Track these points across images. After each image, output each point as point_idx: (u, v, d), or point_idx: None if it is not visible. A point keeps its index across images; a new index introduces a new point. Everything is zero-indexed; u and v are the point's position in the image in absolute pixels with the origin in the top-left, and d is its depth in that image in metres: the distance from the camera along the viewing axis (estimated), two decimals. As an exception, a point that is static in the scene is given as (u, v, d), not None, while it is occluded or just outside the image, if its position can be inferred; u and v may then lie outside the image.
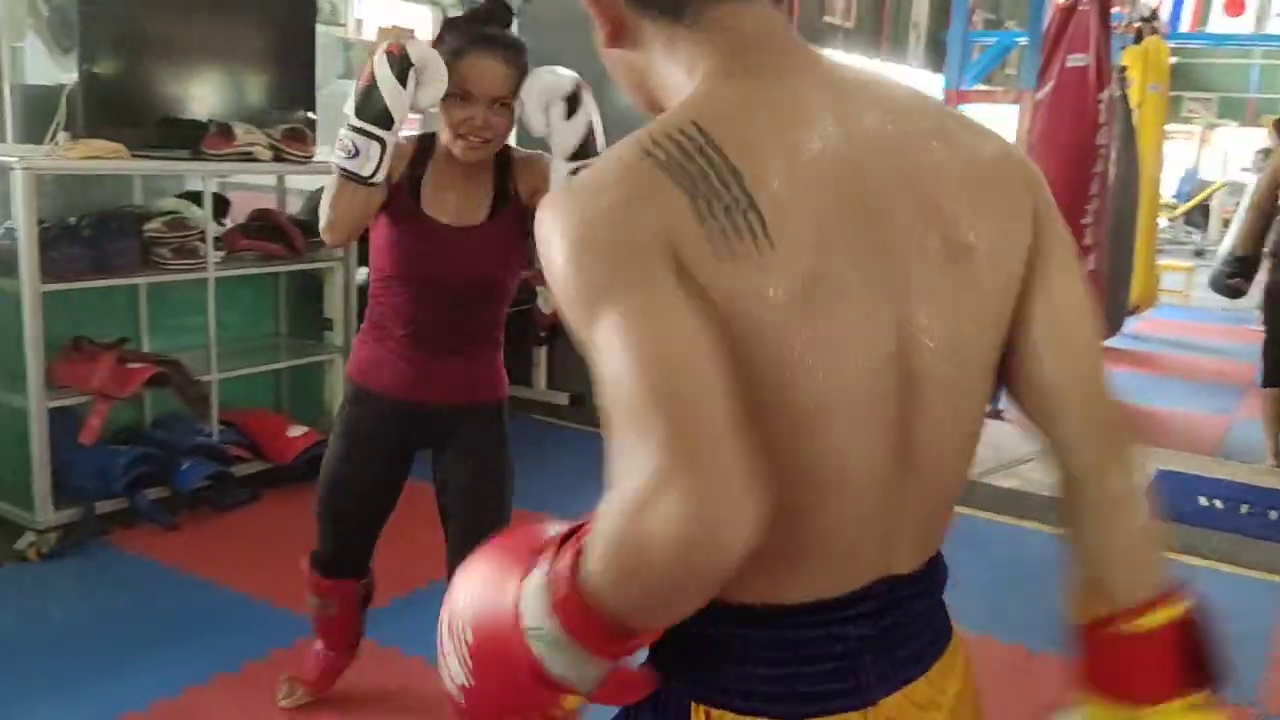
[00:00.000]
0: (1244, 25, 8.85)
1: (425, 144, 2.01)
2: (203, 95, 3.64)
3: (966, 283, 0.85)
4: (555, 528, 0.81)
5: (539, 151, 2.03)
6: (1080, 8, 5.79)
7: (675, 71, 0.86)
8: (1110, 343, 6.79)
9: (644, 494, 0.65)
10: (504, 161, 2.01)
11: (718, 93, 0.82)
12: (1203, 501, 4.12)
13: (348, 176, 1.85)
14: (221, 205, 3.73)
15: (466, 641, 0.80)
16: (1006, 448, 4.72)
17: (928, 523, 0.91)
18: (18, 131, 3.43)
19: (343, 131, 1.85)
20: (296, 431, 3.77)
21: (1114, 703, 0.92)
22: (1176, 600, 0.92)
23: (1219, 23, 8.89)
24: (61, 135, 3.26)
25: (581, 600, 0.70)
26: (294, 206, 4.21)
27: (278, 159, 3.66)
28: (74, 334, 3.36)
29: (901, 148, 0.84)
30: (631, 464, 0.67)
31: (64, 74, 3.58)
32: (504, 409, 2.15)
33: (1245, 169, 16.60)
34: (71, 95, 3.30)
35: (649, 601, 0.70)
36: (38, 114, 3.40)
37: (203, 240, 3.51)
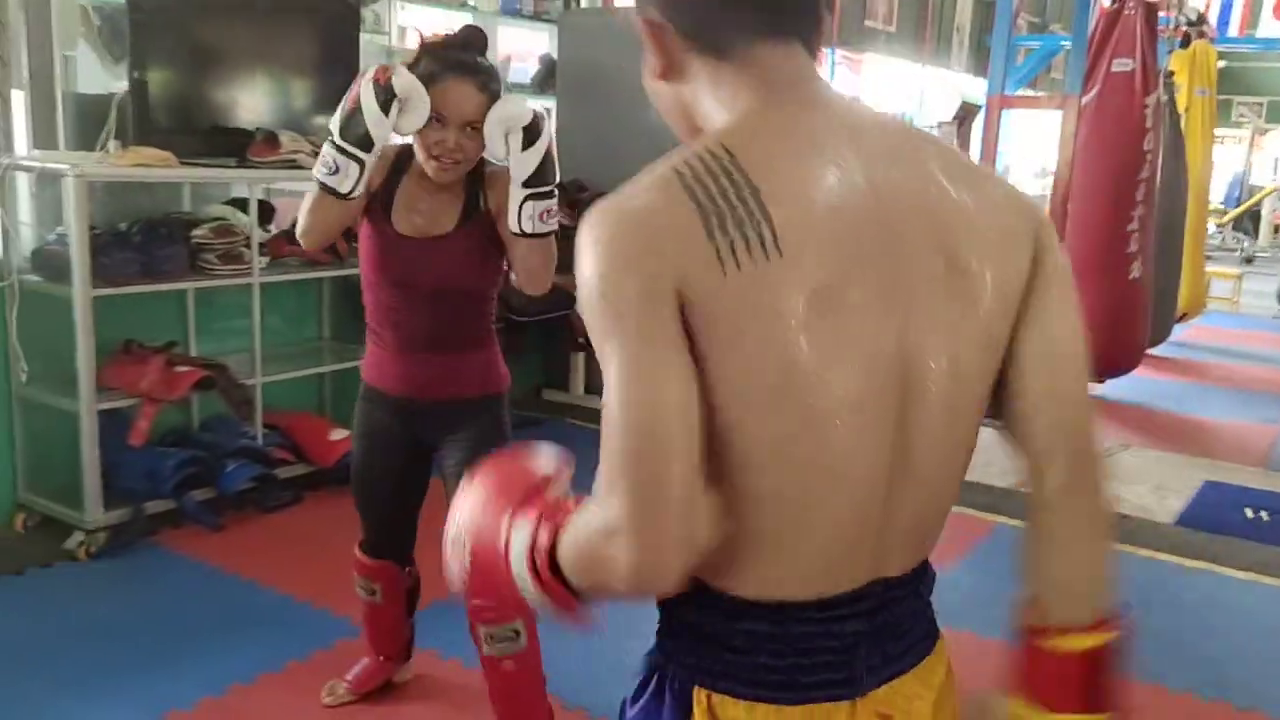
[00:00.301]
0: (1295, 28, 8.70)
1: (404, 156, 2.10)
2: (249, 103, 3.70)
3: (968, 308, 0.91)
4: (542, 472, 1.01)
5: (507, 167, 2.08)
6: (1126, 11, 5.72)
7: (716, 104, 0.94)
8: (1157, 350, 6.69)
9: (609, 530, 0.83)
10: (477, 175, 2.10)
11: (750, 122, 0.91)
12: (1249, 514, 4.05)
13: (326, 190, 1.97)
14: (267, 211, 3.79)
15: (467, 553, 0.99)
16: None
17: (920, 529, 0.97)
18: (69, 139, 3.50)
19: (325, 147, 1.98)
20: (339, 435, 3.82)
21: (1032, 703, 1.00)
22: (1103, 630, 1.00)
23: (1269, 26, 8.74)
24: (112, 143, 3.33)
25: (554, 578, 0.90)
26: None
27: (322, 166, 3.71)
28: (123, 338, 3.43)
29: (912, 182, 0.91)
30: (607, 499, 0.84)
31: (115, 82, 3.66)
32: (496, 402, 2.23)
33: (1296, 173, 16.30)
34: (122, 103, 3.37)
35: (606, 596, 0.89)
36: (89, 122, 3.48)
37: (248, 246, 3.57)
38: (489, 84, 2.01)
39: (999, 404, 0.98)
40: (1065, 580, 1.01)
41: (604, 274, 0.83)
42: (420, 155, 2.03)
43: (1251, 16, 8.89)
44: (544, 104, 5.41)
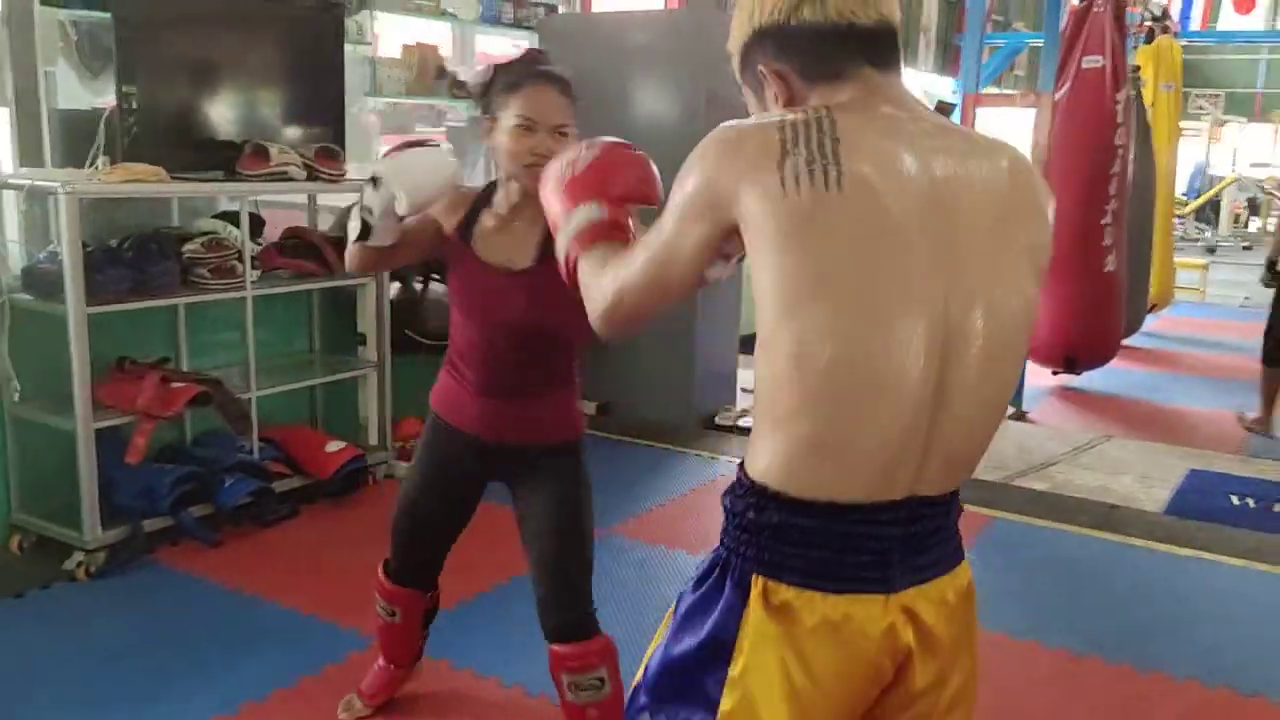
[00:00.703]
0: (1254, 22, 8.87)
1: (486, 193, 2.08)
2: (236, 116, 3.67)
3: (1010, 262, 1.14)
4: (590, 210, 1.34)
5: None
6: (1095, 9, 5.81)
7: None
8: (1130, 341, 6.80)
9: (604, 294, 1.24)
10: None
11: (853, 104, 1.15)
12: (1235, 500, 4.13)
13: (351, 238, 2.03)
14: (256, 224, 3.76)
15: (564, 177, 1.39)
16: (1035, 450, 4.75)
17: (954, 458, 1.14)
18: (56, 156, 3.47)
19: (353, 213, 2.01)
20: (335, 447, 3.81)
21: None
22: None
23: (1229, 20, 8.91)
24: (101, 159, 3.29)
25: (570, 270, 1.33)
26: (325, 223, 4.25)
27: (311, 178, 3.70)
28: (116, 355, 3.40)
29: (965, 165, 1.14)
30: (625, 275, 1.21)
31: (95, 98, 3.63)
32: (578, 447, 2.16)
33: (1255, 164, 16.62)
34: (110, 119, 3.34)
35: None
36: (75, 138, 3.44)
37: (240, 260, 3.55)
38: (569, 89, 1.99)
39: None
40: None
41: (691, 165, 1.15)
42: (511, 168, 1.97)
43: (1213, 11, 9.05)
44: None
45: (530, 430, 2.11)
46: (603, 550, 3.44)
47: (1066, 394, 6.01)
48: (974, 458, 1.18)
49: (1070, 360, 5.91)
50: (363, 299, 4.10)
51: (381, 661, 2.54)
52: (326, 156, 3.75)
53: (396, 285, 4.21)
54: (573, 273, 1.33)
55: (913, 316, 1.07)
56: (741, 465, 1.16)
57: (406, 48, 4.64)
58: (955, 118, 5.77)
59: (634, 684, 1.25)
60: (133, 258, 3.29)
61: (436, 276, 4.37)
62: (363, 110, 4.50)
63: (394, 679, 2.55)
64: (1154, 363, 6.84)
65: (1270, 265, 5.18)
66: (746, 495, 1.13)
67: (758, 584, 1.11)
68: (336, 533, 3.62)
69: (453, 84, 4.79)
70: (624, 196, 1.38)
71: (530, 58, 2.07)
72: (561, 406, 2.14)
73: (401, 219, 1.96)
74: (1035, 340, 1.29)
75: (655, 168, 1.47)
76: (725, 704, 1.11)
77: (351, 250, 2.04)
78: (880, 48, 1.20)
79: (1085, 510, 3.96)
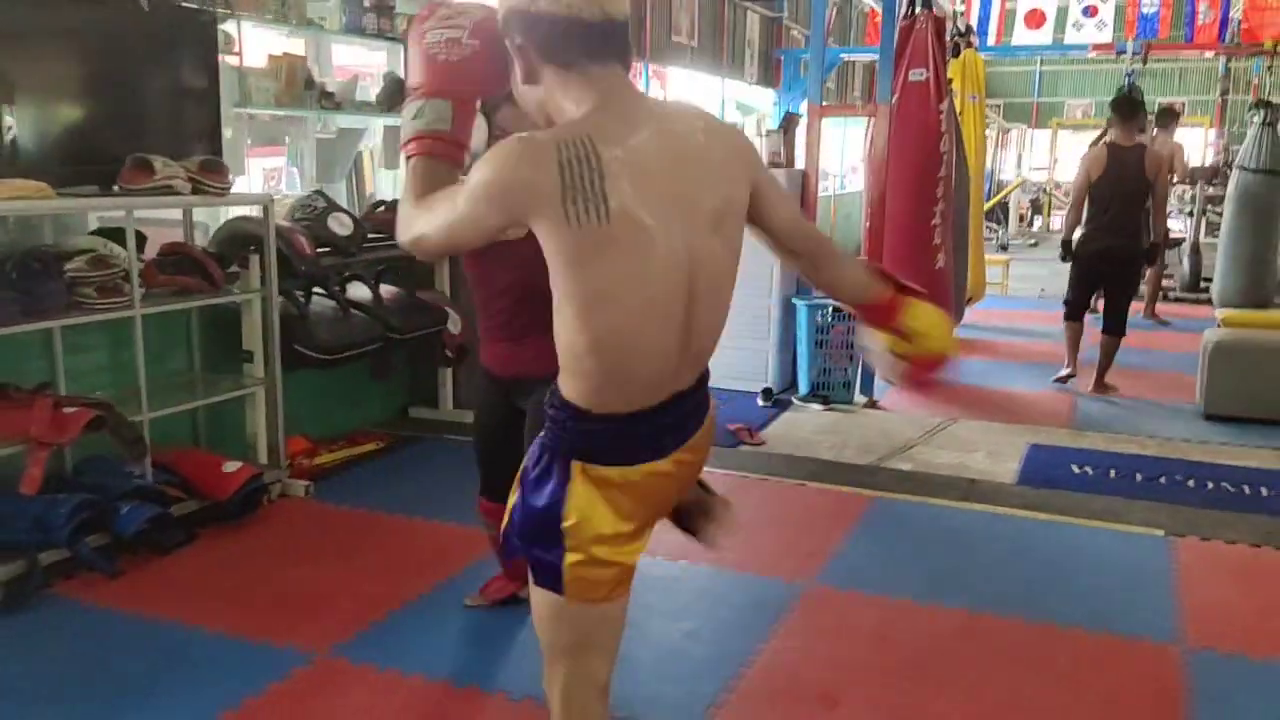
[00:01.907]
0: (1043, 37, 9.74)
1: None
2: (114, 129, 3.54)
3: (723, 222, 1.56)
4: (438, 107, 1.61)
5: None
6: (918, 26, 6.29)
7: (567, 103, 1.52)
8: (955, 332, 7.33)
9: (413, 233, 1.58)
10: None
11: (599, 119, 1.48)
12: (1075, 469, 4.58)
13: None
14: (138, 241, 3.62)
15: (422, 55, 1.63)
16: (894, 435, 5.10)
17: (699, 360, 1.64)
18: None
19: None
20: (232, 467, 3.71)
21: (889, 330, 1.80)
22: (897, 287, 1.83)
23: (1021, 35, 9.74)
24: (-28, 176, 3.11)
25: (410, 152, 1.64)
26: (199, 238, 4.12)
27: (196, 191, 3.60)
28: (-3, 382, 3.22)
29: (686, 142, 1.53)
30: (429, 227, 1.55)
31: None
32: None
33: (1035, 168, 18.10)
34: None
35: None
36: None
37: (126, 278, 3.42)
38: None
39: (772, 247, 1.75)
40: (864, 279, 1.83)
41: (488, 173, 1.44)
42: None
43: (1006, 27, 9.87)
44: (393, 121, 5.38)
45: (530, 366, 2.52)
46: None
47: (908, 383, 6.44)
48: (714, 348, 1.67)
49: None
50: (248, 315, 4.01)
51: (502, 573, 3.10)
52: (210, 169, 3.66)
53: (281, 300, 4.13)
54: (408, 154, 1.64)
55: (667, 297, 1.51)
56: (556, 385, 1.61)
57: (273, 58, 4.55)
58: (801, 127, 6.12)
59: (503, 531, 1.69)
60: (17, 278, 3.13)
61: (319, 291, 4.32)
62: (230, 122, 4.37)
63: (508, 586, 3.09)
64: (978, 351, 7.40)
65: (1065, 244, 6.15)
66: (564, 410, 1.59)
67: (577, 467, 1.58)
68: (240, 554, 3.54)
69: (321, 95, 4.72)
70: (476, 94, 1.65)
71: None
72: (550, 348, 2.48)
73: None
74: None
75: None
76: (567, 539, 1.58)
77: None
78: (606, 42, 1.50)
79: (951, 485, 4.31)
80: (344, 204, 4.96)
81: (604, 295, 1.47)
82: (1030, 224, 17.10)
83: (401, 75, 5.32)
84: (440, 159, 1.60)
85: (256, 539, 3.66)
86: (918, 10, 6.30)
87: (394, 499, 4.06)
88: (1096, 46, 10.13)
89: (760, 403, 5.62)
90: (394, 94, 5.23)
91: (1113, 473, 4.53)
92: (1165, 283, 10.68)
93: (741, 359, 5.79)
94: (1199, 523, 3.89)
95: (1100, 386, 6.12)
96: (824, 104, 6.04)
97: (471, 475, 4.30)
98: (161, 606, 3.11)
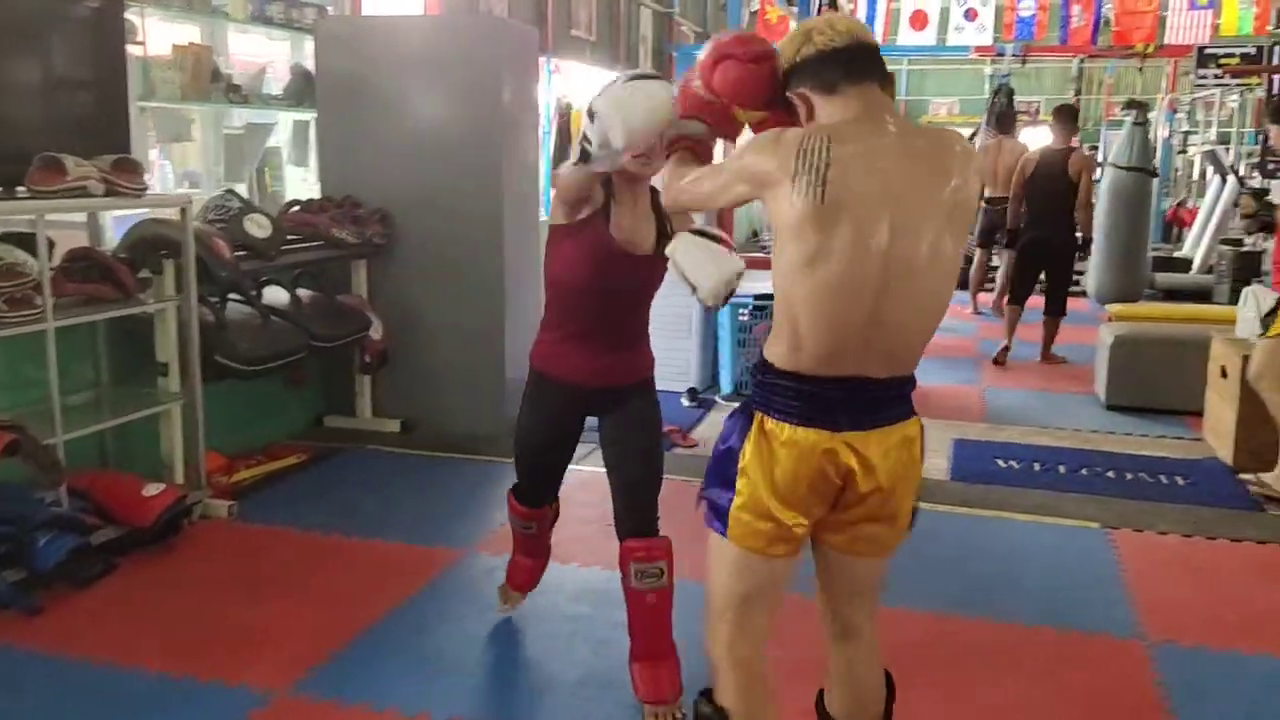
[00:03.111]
0: (927, 38, 9.98)
1: (608, 179, 2.37)
2: (17, 127, 3.22)
3: (945, 224, 1.73)
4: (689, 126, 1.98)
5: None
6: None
7: (826, 119, 1.77)
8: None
9: (677, 195, 1.95)
10: (656, 198, 2.39)
11: (841, 126, 1.73)
12: (1001, 464, 4.69)
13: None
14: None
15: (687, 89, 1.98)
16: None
17: (891, 358, 1.77)
18: None
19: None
20: (153, 490, 3.44)
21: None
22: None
23: (906, 36, 9.95)
24: None
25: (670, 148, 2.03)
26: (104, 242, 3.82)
27: (110, 193, 3.32)
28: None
29: (920, 151, 1.75)
30: (700, 184, 1.90)
31: None
32: (652, 380, 2.69)
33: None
34: None
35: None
36: None
37: (37, 289, 3.13)
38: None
39: None
40: None
41: (753, 145, 1.76)
42: (632, 163, 2.19)
43: (891, 27, 10.07)
44: (303, 116, 5.12)
45: (621, 374, 2.59)
46: (472, 572, 3.39)
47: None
48: (914, 350, 1.81)
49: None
50: (161, 325, 3.73)
51: (522, 559, 3.02)
52: (125, 169, 3.38)
53: (203, 309, 3.86)
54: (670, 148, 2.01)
55: (857, 277, 1.69)
56: (762, 349, 1.83)
57: (178, 48, 4.25)
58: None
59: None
60: (-83, 291, 2.82)
61: (235, 297, 4.06)
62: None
63: (538, 568, 3.04)
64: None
65: (1010, 233, 7.17)
66: (760, 368, 1.83)
67: (758, 417, 1.80)
68: (168, 584, 3.28)
69: (229, 87, 4.44)
70: (721, 121, 1.96)
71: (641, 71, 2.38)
72: (644, 351, 2.67)
73: (619, 153, 2.11)
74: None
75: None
76: (739, 482, 1.80)
77: (571, 171, 2.29)
78: (854, 60, 1.77)
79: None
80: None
81: (807, 264, 1.69)
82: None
83: (307, 67, 5.07)
84: (695, 154, 1.98)
85: (183, 567, 3.41)
86: (823, 10, 6.36)
87: (326, 517, 3.84)
88: (978, 49, 10.47)
89: (685, 403, 5.57)
90: (302, 87, 4.98)
91: (1037, 466, 4.65)
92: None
93: (664, 359, 5.69)
94: (1130, 515, 4.01)
95: (1047, 358, 6.94)
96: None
97: (406, 489, 4.16)
98: (91, 647, 2.86)
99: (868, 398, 1.76)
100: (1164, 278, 10.64)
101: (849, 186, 1.65)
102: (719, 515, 1.83)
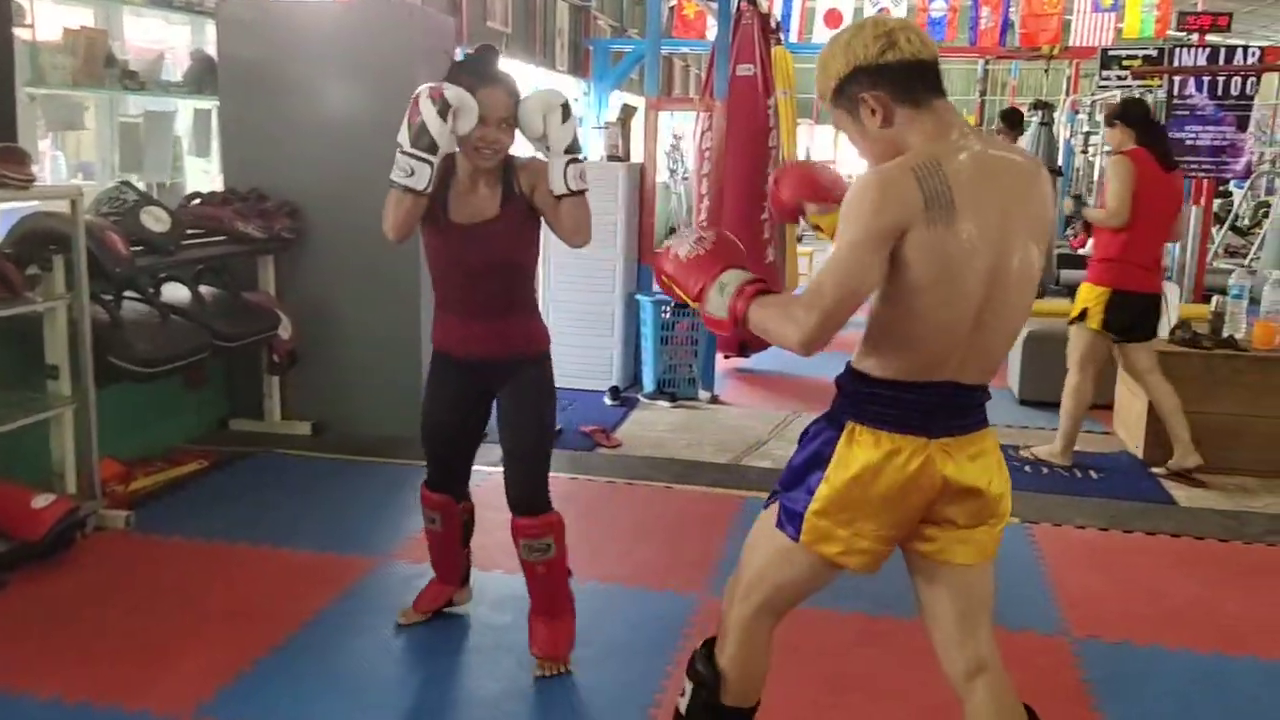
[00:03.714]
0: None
1: (448, 164, 2.57)
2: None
3: (1030, 235, 1.75)
4: (736, 274, 1.81)
5: (534, 156, 2.62)
6: (744, 21, 6.30)
7: (922, 136, 1.74)
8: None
9: (798, 323, 1.65)
10: (508, 167, 2.59)
11: (943, 145, 1.72)
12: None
13: (407, 190, 2.44)
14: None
15: (678, 262, 1.86)
16: (745, 430, 5.09)
17: (985, 362, 1.79)
18: None
19: (399, 157, 2.43)
20: (43, 501, 3.23)
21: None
22: None
23: (821, 34, 10.02)
24: None
25: (738, 318, 1.76)
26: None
27: (-6, 183, 3.10)
28: None
29: (1005, 165, 1.76)
30: (810, 310, 1.64)
31: None
32: (543, 358, 2.72)
33: (825, 162, 18.74)
34: None
35: (767, 339, 1.74)
36: None
37: (-89, 285, 2.89)
38: (513, 88, 2.53)
39: None
40: None
41: (864, 206, 1.65)
42: (466, 151, 2.50)
43: (807, 25, 10.13)
44: (204, 104, 4.89)
45: (498, 345, 2.64)
46: (388, 581, 3.25)
47: (741, 376, 6.48)
48: (1001, 357, 1.86)
49: (743, 345, 6.40)
50: (51, 324, 3.50)
51: (432, 581, 3.00)
52: (9, 158, 3.16)
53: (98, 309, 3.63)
54: (742, 322, 1.77)
55: (967, 292, 1.69)
56: (850, 362, 1.82)
57: (69, 31, 4.01)
58: (639, 118, 6.02)
59: (774, 489, 1.92)
60: None
61: (132, 295, 3.84)
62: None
63: (443, 592, 3.00)
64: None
65: None
66: (851, 379, 1.81)
67: (850, 425, 1.78)
68: (61, 600, 3.08)
69: (124, 73, 4.21)
70: (736, 259, 1.87)
71: (482, 57, 2.57)
72: (522, 324, 2.68)
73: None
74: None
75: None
76: (821, 488, 1.79)
77: (402, 204, 2.46)
78: (938, 78, 1.76)
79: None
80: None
81: (929, 280, 1.68)
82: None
83: (209, 52, 4.84)
84: (766, 291, 1.80)
85: (77, 582, 3.20)
86: (742, 4, 6.31)
87: (230, 526, 3.66)
88: (891, 47, 10.56)
89: (608, 401, 5.48)
90: (203, 74, 4.75)
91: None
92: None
93: (586, 357, 5.64)
94: (1048, 509, 4.05)
95: None
96: (658, 97, 5.95)
97: (318, 494, 4.00)
98: (-25, 672, 2.65)
99: (958, 403, 1.79)
100: (1069, 274, 10.92)
101: (967, 206, 1.67)
102: (792, 519, 1.83)
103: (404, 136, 2.41)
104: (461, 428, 2.78)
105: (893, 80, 1.72)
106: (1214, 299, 4.85)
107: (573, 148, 2.50)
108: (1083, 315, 4.52)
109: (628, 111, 6.09)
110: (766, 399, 5.92)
